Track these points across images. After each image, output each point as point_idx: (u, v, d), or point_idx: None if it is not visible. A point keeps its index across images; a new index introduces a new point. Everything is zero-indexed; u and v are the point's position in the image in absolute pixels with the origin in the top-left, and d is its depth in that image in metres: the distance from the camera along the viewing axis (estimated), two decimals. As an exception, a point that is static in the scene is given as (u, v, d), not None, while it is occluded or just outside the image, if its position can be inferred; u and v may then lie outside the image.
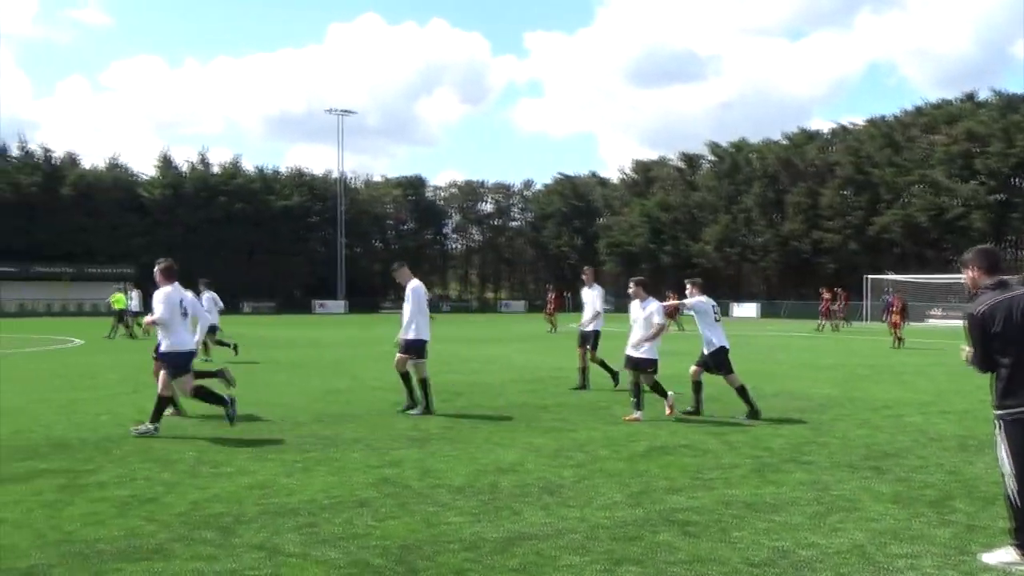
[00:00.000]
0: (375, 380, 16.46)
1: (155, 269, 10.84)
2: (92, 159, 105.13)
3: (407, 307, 12.23)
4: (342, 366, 19.90)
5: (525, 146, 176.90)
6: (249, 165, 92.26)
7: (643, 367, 11.56)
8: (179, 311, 10.54)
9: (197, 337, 11.77)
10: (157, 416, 10.31)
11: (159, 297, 10.44)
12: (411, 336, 12.21)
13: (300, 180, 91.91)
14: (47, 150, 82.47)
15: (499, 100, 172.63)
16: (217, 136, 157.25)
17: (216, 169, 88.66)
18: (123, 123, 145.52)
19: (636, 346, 11.55)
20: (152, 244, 79.83)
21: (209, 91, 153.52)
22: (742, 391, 11.87)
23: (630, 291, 11.79)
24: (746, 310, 68.30)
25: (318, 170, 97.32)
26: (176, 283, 10.74)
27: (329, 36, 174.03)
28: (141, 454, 9.06)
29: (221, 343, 21.69)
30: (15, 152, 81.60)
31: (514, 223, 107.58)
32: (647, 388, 11.60)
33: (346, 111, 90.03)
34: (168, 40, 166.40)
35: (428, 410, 12.01)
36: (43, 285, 72.67)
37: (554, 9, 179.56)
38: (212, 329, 20.97)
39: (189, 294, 11.15)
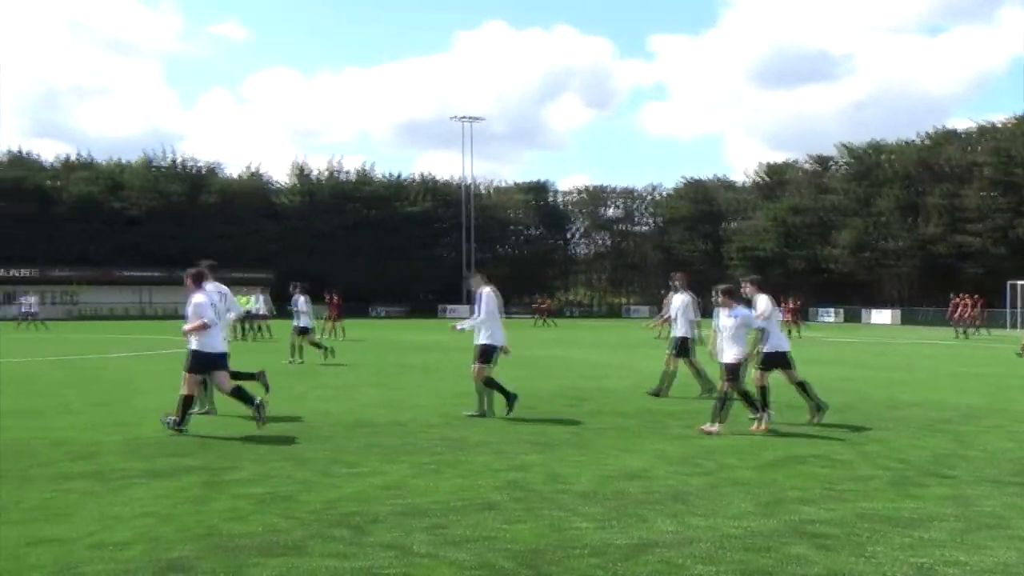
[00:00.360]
0: (509, 385, 16.57)
1: (186, 275, 11.17)
2: (233, 168, 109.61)
3: (477, 312, 12.48)
4: (470, 370, 20.09)
5: (651, 150, 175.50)
6: (380, 172, 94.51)
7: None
8: (213, 314, 10.80)
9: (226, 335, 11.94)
10: (182, 417, 10.60)
11: (194, 302, 10.77)
12: (484, 342, 12.41)
13: (429, 186, 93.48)
14: (192, 160, 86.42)
15: (625, 104, 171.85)
16: (349, 144, 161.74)
17: (348, 176, 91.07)
18: (261, 133, 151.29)
19: (727, 354, 10.99)
20: (287, 250, 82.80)
21: (341, 101, 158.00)
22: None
23: (717, 300, 11.20)
24: (882, 317, 66.00)
25: (446, 176, 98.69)
26: (206, 288, 11.05)
27: (456, 44, 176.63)
28: (278, 453, 9.38)
29: (316, 345, 22.45)
30: (163, 163, 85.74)
31: (640, 227, 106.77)
32: (735, 397, 10.96)
33: (473, 118, 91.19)
34: (302, 52, 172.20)
35: (486, 414, 12.24)
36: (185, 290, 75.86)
37: (679, 11, 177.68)
38: (305, 331, 22.01)
39: (216, 297, 11.32)
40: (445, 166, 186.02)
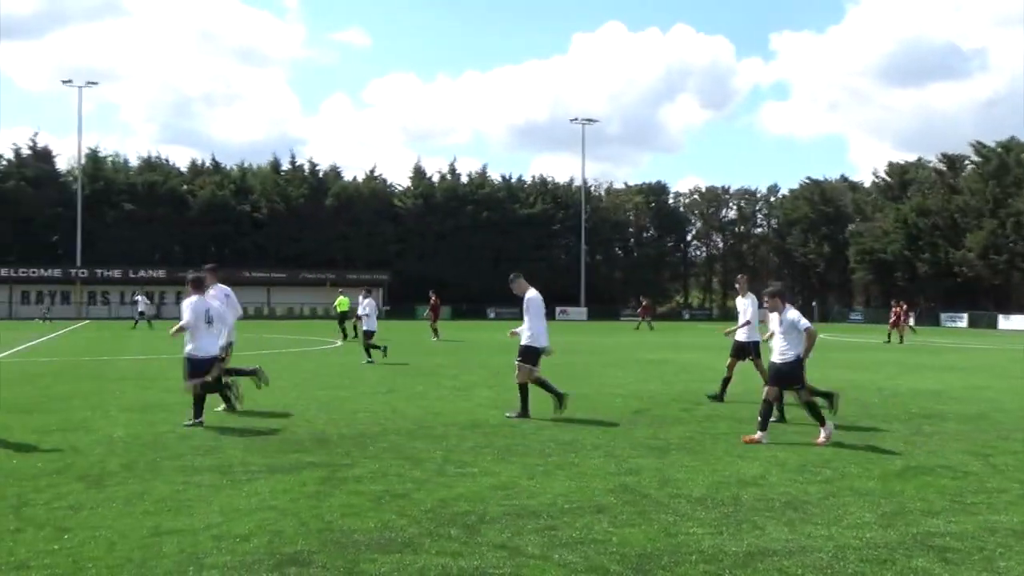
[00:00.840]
0: (616, 387, 16.52)
1: (188, 279, 11.82)
2: (353, 171, 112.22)
3: (526, 317, 12.44)
4: (584, 372, 20.10)
5: (769, 150, 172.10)
6: (495, 174, 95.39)
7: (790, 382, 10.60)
8: (204, 319, 11.41)
9: (222, 341, 12.35)
10: (199, 411, 11.34)
11: (185, 305, 11.39)
12: (526, 343, 12.40)
13: (544, 188, 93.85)
14: (313, 164, 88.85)
15: (743, 104, 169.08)
16: (465, 147, 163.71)
17: (464, 179, 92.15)
18: (380, 137, 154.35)
19: (782, 357, 10.55)
20: (405, 251, 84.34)
21: (458, 104, 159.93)
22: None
23: (765, 303, 10.79)
24: (1016, 323, 63.03)
25: (561, 178, 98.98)
26: (204, 294, 11.67)
27: (573, 46, 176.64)
28: (393, 451, 9.55)
29: (374, 347, 23.04)
30: (286, 167, 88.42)
31: (758, 230, 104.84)
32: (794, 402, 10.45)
33: (589, 120, 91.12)
34: (421, 57, 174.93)
35: (526, 414, 12.16)
36: (309, 290, 78.11)
37: (802, 8, 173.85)
38: (369, 333, 23.32)
39: (216, 303, 11.90)
40: (560, 168, 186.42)
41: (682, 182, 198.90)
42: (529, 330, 12.44)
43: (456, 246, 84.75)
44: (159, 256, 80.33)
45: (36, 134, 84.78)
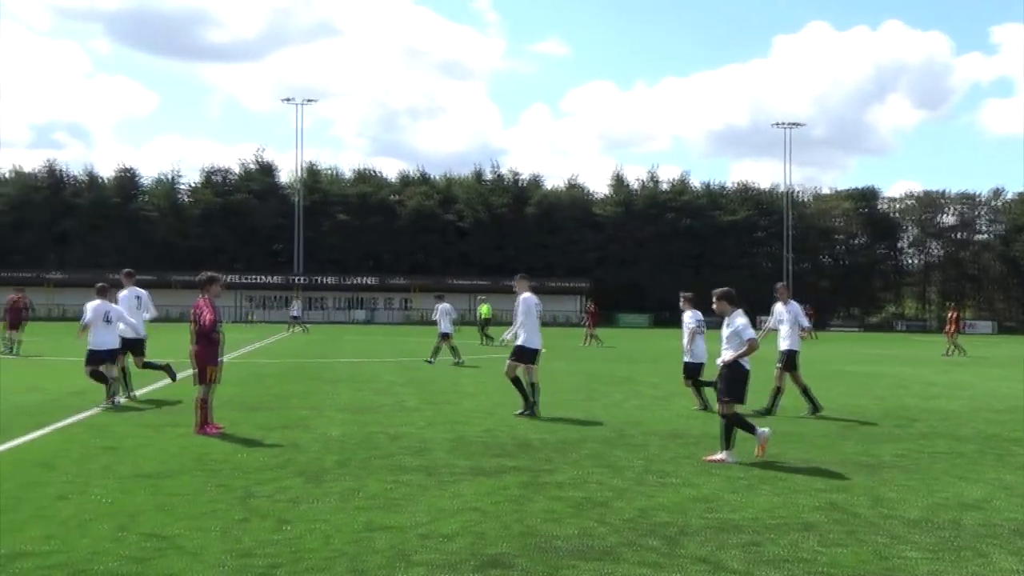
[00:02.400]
0: (822, 401, 15.90)
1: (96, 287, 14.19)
2: (553, 180, 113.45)
3: (516, 317, 13.46)
4: (787, 385, 19.42)
5: (992, 151, 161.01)
6: (696, 181, 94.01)
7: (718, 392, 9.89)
8: (103, 319, 13.77)
9: (139, 333, 14.91)
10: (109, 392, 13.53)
11: (87, 307, 13.89)
12: (520, 343, 13.33)
13: (746, 195, 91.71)
14: (515, 173, 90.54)
15: (961, 102, 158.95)
16: (665, 154, 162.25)
17: (665, 186, 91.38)
18: (579, 145, 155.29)
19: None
20: (605, 259, 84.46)
21: (657, 111, 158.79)
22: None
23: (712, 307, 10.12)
24: None
25: (764, 184, 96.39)
26: (106, 299, 13.99)
27: (775, 48, 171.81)
28: (594, 459, 9.59)
29: (437, 350, 24.56)
30: (489, 176, 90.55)
31: (980, 236, 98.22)
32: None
33: (793, 124, 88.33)
34: (619, 65, 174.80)
35: (533, 412, 12.95)
36: (511, 297, 79.08)
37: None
38: (445, 336, 24.55)
39: (115, 306, 14.30)
40: (762, 173, 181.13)
41: (895, 186, 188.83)
42: (521, 332, 13.40)
43: (656, 253, 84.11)
44: (370, 263, 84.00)
45: (261, 150, 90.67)
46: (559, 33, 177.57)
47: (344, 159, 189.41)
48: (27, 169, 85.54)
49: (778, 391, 14.01)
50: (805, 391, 13.97)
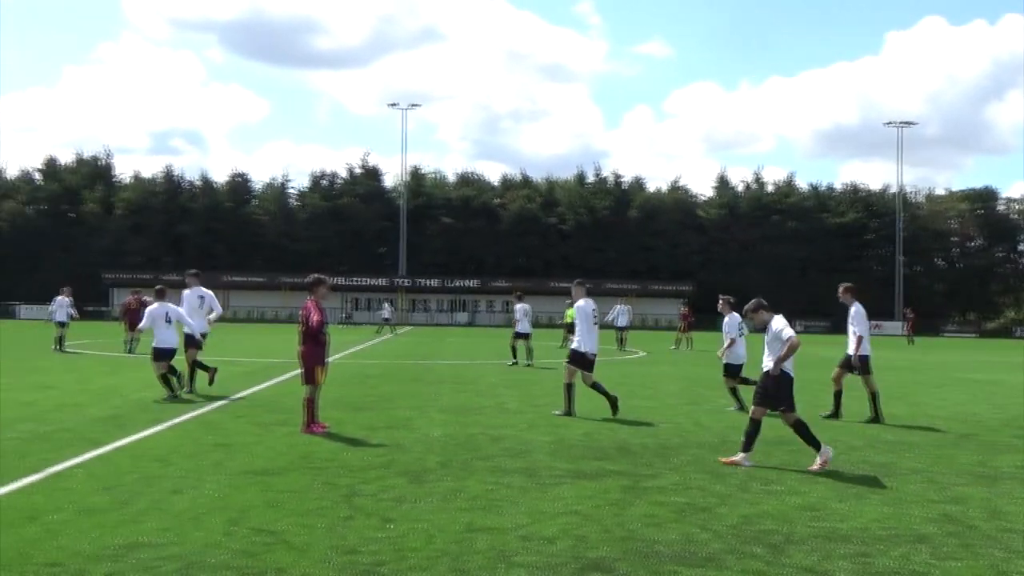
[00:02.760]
0: (937, 409, 15.39)
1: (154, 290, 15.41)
2: (655, 183, 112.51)
3: (577, 324, 13.77)
4: (899, 391, 18.88)
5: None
6: (802, 183, 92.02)
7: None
8: (163, 319, 14.75)
9: (200, 330, 15.93)
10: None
11: (146, 312, 15.13)
12: (572, 347, 13.82)
13: (855, 196, 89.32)
14: (617, 176, 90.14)
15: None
16: (770, 155, 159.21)
17: (770, 187, 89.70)
18: (682, 147, 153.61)
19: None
20: (708, 262, 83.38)
21: (762, 111, 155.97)
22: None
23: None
24: None
25: (874, 185, 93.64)
26: (164, 300, 15.08)
27: (887, 45, 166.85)
28: (696, 464, 9.47)
29: (513, 350, 24.57)
30: (591, 179, 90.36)
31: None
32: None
33: (905, 123, 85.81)
34: (723, 65, 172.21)
35: (569, 412, 13.33)
36: (611, 300, 79.09)
37: None
38: (522, 336, 24.56)
39: (173, 307, 15.15)
40: (872, 174, 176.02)
41: (1014, 186, 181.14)
42: (578, 336, 13.70)
43: (761, 256, 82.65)
44: (473, 266, 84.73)
45: (367, 154, 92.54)
46: (662, 34, 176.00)
47: (447, 163, 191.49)
48: (146, 174, 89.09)
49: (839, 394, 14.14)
50: (837, 395, 14.07)
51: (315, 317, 11.23)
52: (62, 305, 28.28)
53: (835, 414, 13.74)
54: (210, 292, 16.57)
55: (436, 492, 7.83)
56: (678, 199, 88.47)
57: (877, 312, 78.90)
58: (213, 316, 16.45)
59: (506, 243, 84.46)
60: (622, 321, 35.28)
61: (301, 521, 6.73)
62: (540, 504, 7.46)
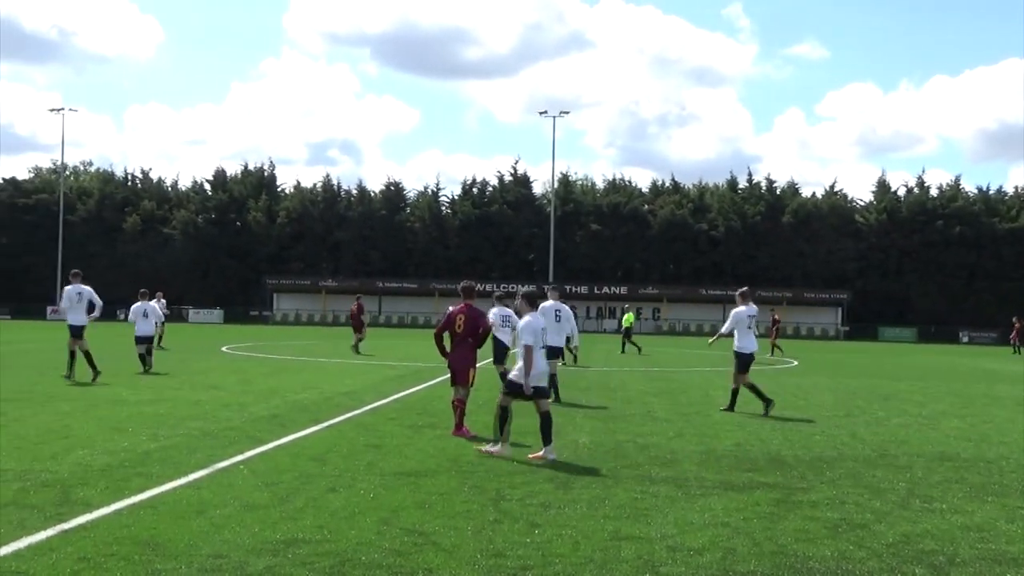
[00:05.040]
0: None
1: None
2: (808, 188, 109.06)
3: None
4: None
5: None
6: (969, 186, 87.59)
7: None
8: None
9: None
10: None
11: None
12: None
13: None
14: (771, 181, 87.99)
15: None
16: (933, 158, 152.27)
17: (934, 191, 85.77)
18: (837, 150, 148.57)
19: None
20: (865, 269, 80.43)
21: (924, 112, 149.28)
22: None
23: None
24: None
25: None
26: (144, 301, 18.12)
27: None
28: (852, 479, 9.15)
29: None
30: (743, 184, 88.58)
31: None
32: None
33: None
34: (881, 65, 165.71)
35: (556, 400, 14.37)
36: (763, 308, 77.13)
37: None
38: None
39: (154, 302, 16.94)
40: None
41: None
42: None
43: (923, 263, 79.11)
44: (621, 273, 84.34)
45: (517, 161, 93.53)
46: (816, 35, 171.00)
47: (595, 169, 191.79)
48: (305, 184, 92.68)
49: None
50: (753, 388, 14.78)
51: (484, 323, 11.71)
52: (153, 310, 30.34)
53: (730, 407, 14.81)
54: (89, 288, 18.32)
55: (583, 499, 7.84)
56: (834, 204, 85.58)
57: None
58: (96, 313, 18.51)
59: (655, 250, 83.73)
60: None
61: (450, 523, 6.86)
62: (688, 515, 7.36)
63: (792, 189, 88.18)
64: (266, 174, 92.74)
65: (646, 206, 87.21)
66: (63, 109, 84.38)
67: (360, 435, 11.20)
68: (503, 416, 10.05)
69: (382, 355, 27.90)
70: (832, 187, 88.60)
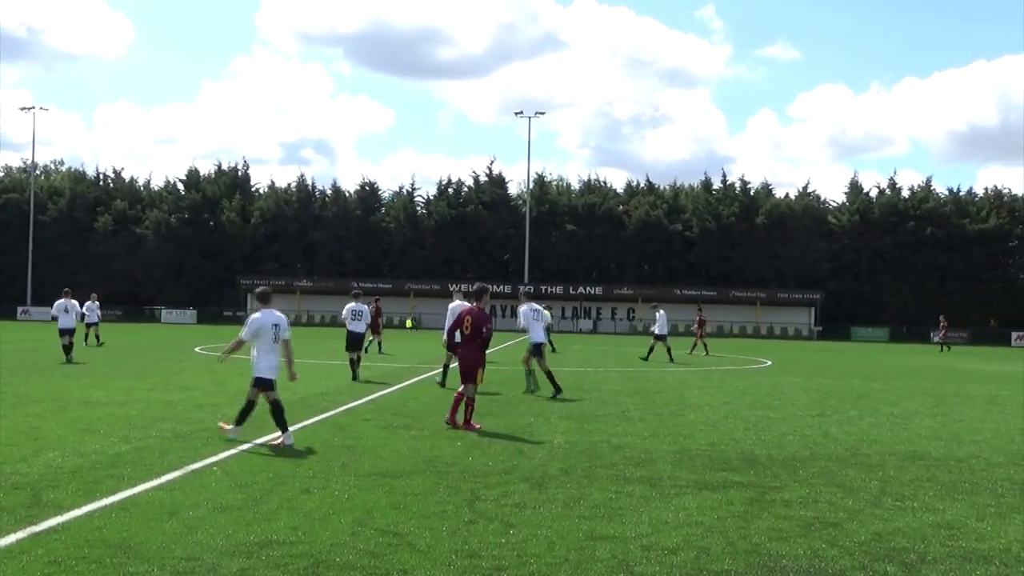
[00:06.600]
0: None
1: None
2: (781, 188, 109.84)
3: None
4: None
5: None
6: (940, 187, 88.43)
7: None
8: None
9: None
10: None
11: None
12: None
13: (998, 201, 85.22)
14: (744, 182, 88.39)
15: None
16: (902, 159, 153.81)
17: (905, 193, 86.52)
18: (809, 152, 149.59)
19: None
20: (838, 270, 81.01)
21: (894, 113, 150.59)
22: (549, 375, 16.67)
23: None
24: None
25: (1017, 189, 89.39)
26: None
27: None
28: (825, 478, 9.22)
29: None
30: (717, 185, 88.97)
31: None
32: None
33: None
34: (852, 68, 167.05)
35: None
36: (738, 308, 77.80)
37: None
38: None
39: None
40: (1015, 178, 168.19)
41: None
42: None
43: (895, 264, 79.78)
44: (596, 273, 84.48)
45: (492, 162, 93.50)
46: (788, 37, 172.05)
47: (569, 170, 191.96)
48: (279, 184, 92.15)
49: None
50: (548, 374, 17.02)
51: (489, 326, 12.28)
52: (91, 309, 32.30)
53: (531, 390, 17.38)
54: (75, 302, 23.78)
55: (558, 499, 7.85)
56: (807, 205, 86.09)
57: (1022, 323, 75.10)
58: (84, 319, 22.63)
59: (630, 250, 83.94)
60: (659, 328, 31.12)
61: (425, 524, 6.85)
62: (662, 514, 7.39)
63: (766, 190, 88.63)
64: (240, 174, 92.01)
65: (621, 207, 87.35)
66: (34, 108, 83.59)
67: (335, 436, 11.16)
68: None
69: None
70: (805, 188, 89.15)
